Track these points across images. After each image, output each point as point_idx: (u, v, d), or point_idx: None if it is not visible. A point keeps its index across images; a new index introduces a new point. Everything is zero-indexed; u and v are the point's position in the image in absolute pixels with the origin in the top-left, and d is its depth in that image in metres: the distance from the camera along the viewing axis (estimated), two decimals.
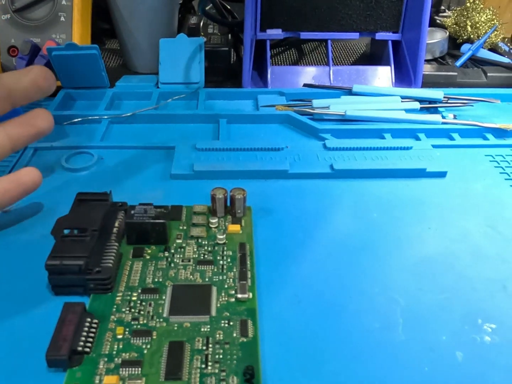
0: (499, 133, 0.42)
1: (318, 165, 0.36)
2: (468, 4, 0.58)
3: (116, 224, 0.28)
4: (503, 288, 0.27)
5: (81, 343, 0.22)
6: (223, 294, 0.25)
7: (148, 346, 0.22)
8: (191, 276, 0.26)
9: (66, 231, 0.26)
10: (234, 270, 0.27)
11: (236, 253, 0.28)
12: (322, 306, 0.26)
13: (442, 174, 0.36)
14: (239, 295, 0.25)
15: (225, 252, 0.28)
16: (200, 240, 0.29)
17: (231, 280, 0.26)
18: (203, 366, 0.21)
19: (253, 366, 0.21)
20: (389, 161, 0.37)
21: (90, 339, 0.22)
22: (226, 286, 0.26)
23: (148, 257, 0.27)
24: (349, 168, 0.36)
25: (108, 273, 0.25)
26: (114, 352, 0.22)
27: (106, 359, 0.22)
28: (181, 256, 0.27)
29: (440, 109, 0.45)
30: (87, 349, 0.22)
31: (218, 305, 0.25)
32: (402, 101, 0.45)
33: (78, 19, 0.45)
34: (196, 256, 0.28)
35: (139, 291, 0.25)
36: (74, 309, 0.23)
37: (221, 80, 0.51)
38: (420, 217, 0.33)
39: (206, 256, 0.28)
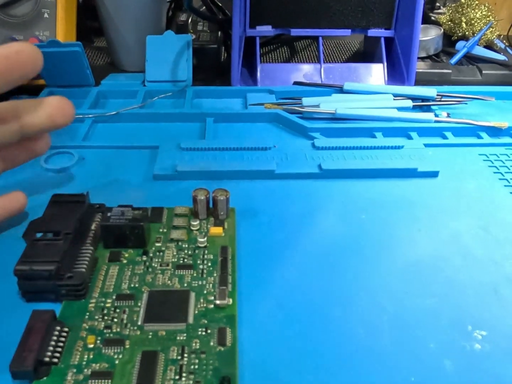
0: (493, 131, 0.41)
1: (306, 165, 0.35)
2: (463, 1, 0.57)
3: (93, 227, 0.27)
4: (494, 292, 0.26)
5: (49, 353, 0.21)
6: (201, 300, 0.24)
7: (120, 356, 0.21)
8: (169, 281, 0.25)
9: (38, 235, 0.25)
10: (215, 275, 0.26)
11: (217, 257, 0.27)
12: (305, 312, 0.25)
13: (433, 174, 0.35)
14: (218, 301, 0.24)
15: (205, 256, 0.27)
16: (180, 243, 0.28)
17: (210, 285, 0.25)
18: (177, 377, 0.20)
19: (229, 376, 0.20)
20: (379, 160, 0.36)
21: (59, 349, 0.21)
22: (205, 291, 0.25)
23: (125, 261, 0.26)
24: (337, 168, 0.35)
25: (81, 279, 0.24)
26: (84, 363, 0.21)
27: (74, 370, 0.20)
28: (160, 260, 0.26)
29: (433, 107, 0.44)
30: (55, 360, 0.21)
31: (196, 311, 0.23)
32: (394, 99, 0.44)
33: (62, 16, 0.44)
34: (175, 260, 0.26)
35: (114, 297, 0.24)
36: (42, 317, 0.22)
37: (210, 78, 0.50)
38: (410, 218, 0.32)
39: (185, 260, 0.26)
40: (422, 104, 0.44)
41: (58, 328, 0.22)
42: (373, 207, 0.32)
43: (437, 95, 0.44)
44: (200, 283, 0.25)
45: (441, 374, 0.22)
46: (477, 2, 0.57)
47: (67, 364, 0.21)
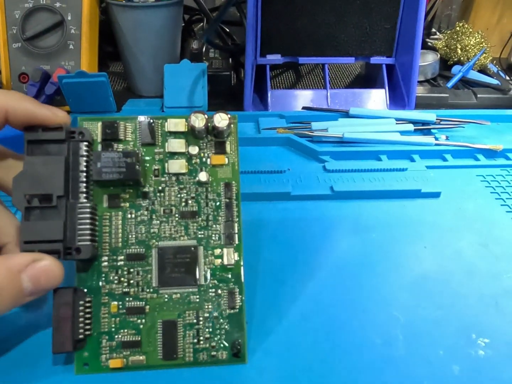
0: (489, 153, 0.44)
1: (319, 187, 0.38)
2: (458, 28, 0.61)
3: (83, 167, 0.24)
4: (495, 304, 0.29)
5: (81, 330, 0.23)
6: (209, 258, 0.25)
7: (143, 321, 0.24)
8: (175, 233, 0.25)
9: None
10: (220, 223, 0.25)
11: (221, 197, 0.26)
12: (326, 323, 0.27)
13: (436, 195, 0.38)
14: (226, 262, 0.25)
15: (209, 196, 0.26)
16: (180, 178, 0.26)
17: (217, 236, 0.25)
18: (195, 341, 0.24)
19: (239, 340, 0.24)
20: (386, 182, 0.39)
21: (88, 321, 0.24)
22: (212, 243, 0.25)
23: (126, 205, 0.25)
24: (348, 189, 0.37)
25: (89, 253, 0.23)
26: (113, 329, 0.24)
27: (107, 337, 0.24)
28: (161, 201, 0.25)
29: (433, 130, 0.47)
30: (88, 332, 0.23)
31: (205, 271, 0.25)
32: (396, 123, 0.47)
33: (86, 47, 0.47)
34: (178, 203, 0.25)
35: (125, 254, 0.24)
36: (65, 300, 0.23)
37: (222, 102, 0.53)
38: (416, 236, 0.34)
39: (189, 203, 0.25)
40: (422, 128, 0.47)
41: (82, 302, 0.23)
42: (382, 226, 0.35)
43: (436, 119, 0.47)
44: (206, 233, 0.25)
45: (450, 377, 0.24)
46: (470, 30, 0.61)
47: (98, 332, 0.24)
